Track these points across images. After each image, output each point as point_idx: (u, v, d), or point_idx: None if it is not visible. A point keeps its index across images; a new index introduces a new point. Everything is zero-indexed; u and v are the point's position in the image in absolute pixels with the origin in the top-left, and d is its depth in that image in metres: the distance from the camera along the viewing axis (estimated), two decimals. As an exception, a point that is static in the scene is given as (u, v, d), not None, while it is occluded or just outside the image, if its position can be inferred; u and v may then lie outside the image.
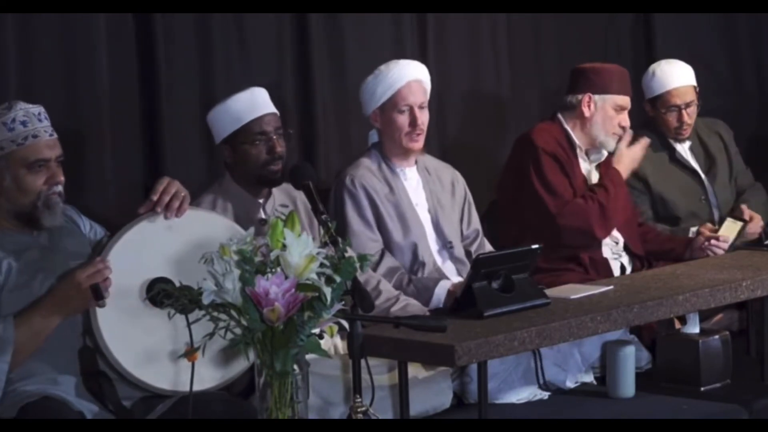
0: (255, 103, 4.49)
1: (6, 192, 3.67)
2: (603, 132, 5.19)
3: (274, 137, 4.46)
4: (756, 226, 5.51)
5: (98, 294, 3.48)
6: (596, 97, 5.18)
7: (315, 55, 5.43)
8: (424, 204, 4.88)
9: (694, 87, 5.67)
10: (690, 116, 5.64)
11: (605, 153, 5.26)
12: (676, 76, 5.66)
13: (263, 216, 4.45)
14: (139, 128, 5.00)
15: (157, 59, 4.98)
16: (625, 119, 5.20)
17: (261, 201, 4.52)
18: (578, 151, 5.22)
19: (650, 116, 5.71)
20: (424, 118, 4.79)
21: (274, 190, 4.55)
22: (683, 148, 5.75)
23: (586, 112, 5.17)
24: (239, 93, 4.51)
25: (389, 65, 4.83)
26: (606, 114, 5.17)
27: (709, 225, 5.50)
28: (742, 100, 6.77)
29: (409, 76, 4.80)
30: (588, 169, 5.25)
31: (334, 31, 5.54)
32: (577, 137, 5.21)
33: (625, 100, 5.20)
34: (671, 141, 5.72)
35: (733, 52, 6.85)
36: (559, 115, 5.24)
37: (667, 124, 5.66)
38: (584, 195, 5.11)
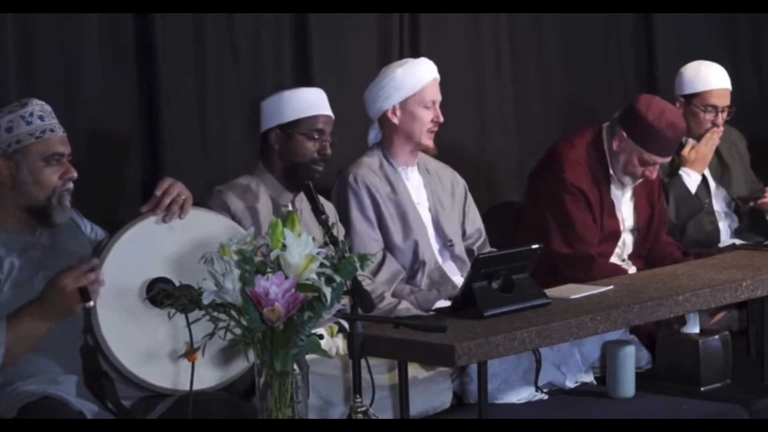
0: (322, 100, 4.55)
1: (21, 185, 3.67)
2: (622, 171, 5.10)
3: (327, 140, 4.48)
4: None
5: (85, 296, 3.48)
6: (629, 140, 5.05)
7: (315, 55, 5.43)
8: (425, 203, 4.89)
9: (731, 92, 5.71)
10: (723, 120, 5.69)
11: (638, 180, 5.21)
12: (719, 77, 5.71)
13: (291, 209, 4.44)
14: (139, 128, 5.00)
15: (156, 59, 4.98)
16: (651, 170, 5.08)
17: (291, 195, 4.52)
18: (611, 175, 5.14)
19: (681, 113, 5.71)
20: (441, 117, 4.83)
21: None
22: None
23: (615, 146, 5.09)
24: (305, 88, 4.61)
25: (413, 61, 4.90)
26: (629, 160, 5.06)
27: None
28: (742, 100, 6.76)
29: (434, 74, 4.88)
30: (619, 194, 5.20)
31: (334, 31, 5.54)
32: (610, 161, 5.14)
33: (653, 158, 5.05)
34: (692, 141, 5.72)
35: (734, 52, 6.85)
36: (604, 130, 5.16)
37: (700, 123, 5.68)
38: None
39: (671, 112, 5.10)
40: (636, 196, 5.25)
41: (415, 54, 5.62)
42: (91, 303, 3.50)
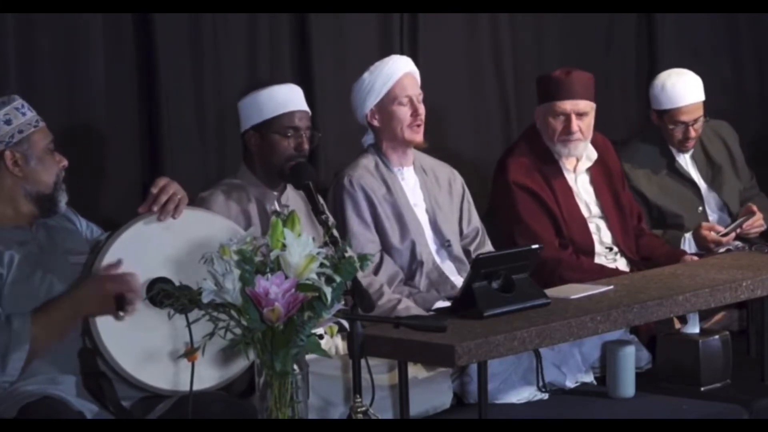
0: (295, 96, 4.51)
1: (32, 174, 3.72)
2: (550, 141, 5.14)
3: (304, 135, 4.47)
4: (757, 220, 5.53)
5: (121, 304, 3.50)
6: (540, 107, 5.16)
7: (315, 56, 5.44)
8: (422, 204, 4.89)
9: (703, 102, 5.66)
10: (696, 131, 5.65)
11: (594, 158, 5.23)
12: (686, 92, 5.61)
13: (278, 208, 4.45)
14: (139, 128, 5.00)
15: (156, 59, 4.98)
16: (570, 124, 5.09)
17: (276, 194, 4.52)
18: (561, 162, 5.18)
19: (655, 124, 5.70)
20: (422, 109, 4.82)
21: (289, 186, 4.55)
22: (684, 158, 5.75)
23: (538, 123, 5.17)
24: (278, 85, 4.53)
25: (381, 62, 4.87)
26: (546, 123, 5.12)
27: (706, 224, 5.52)
28: (744, 101, 6.77)
29: (404, 69, 4.84)
30: (573, 179, 5.22)
31: (334, 31, 5.55)
32: (550, 146, 5.17)
33: (560, 106, 5.09)
34: (672, 150, 5.72)
35: (735, 53, 6.85)
36: (538, 125, 5.21)
37: (673, 137, 5.66)
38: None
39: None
40: (594, 183, 5.26)
41: (415, 54, 5.62)
42: (124, 315, 3.52)
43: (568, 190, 5.17)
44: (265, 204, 4.45)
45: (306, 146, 4.46)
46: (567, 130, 5.10)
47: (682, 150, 5.71)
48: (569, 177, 5.20)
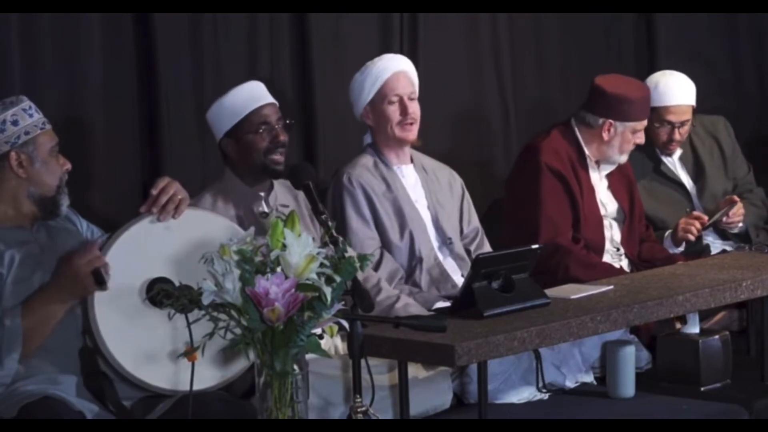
0: (254, 94, 4.50)
1: (36, 176, 3.73)
2: (618, 152, 5.19)
3: (277, 127, 4.47)
4: (739, 209, 5.53)
5: (100, 278, 3.52)
6: (617, 123, 5.15)
7: (315, 56, 5.44)
8: (423, 201, 4.89)
9: (692, 106, 5.66)
10: (682, 135, 5.65)
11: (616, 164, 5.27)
12: (677, 93, 5.63)
13: (265, 209, 4.45)
14: (138, 128, 5.00)
15: (155, 59, 4.98)
16: (640, 137, 5.20)
17: (262, 194, 4.52)
18: (588, 161, 5.22)
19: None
20: (414, 107, 4.82)
21: (276, 185, 4.56)
22: (671, 159, 5.74)
23: (606, 137, 5.16)
24: (237, 87, 4.52)
25: (374, 60, 4.88)
26: (624, 138, 5.17)
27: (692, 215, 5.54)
28: (742, 100, 6.77)
29: (395, 68, 4.84)
30: (597, 178, 5.25)
31: (334, 31, 5.54)
32: (589, 150, 5.19)
33: (644, 124, 5.21)
34: (658, 152, 5.71)
35: (734, 52, 6.85)
36: (574, 125, 5.22)
37: (657, 138, 5.66)
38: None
39: (625, 80, 5.32)
40: (612, 186, 5.30)
41: (415, 54, 5.62)
42: (107, 285, 3.53)
43: (591, 188, 5.20)
44: (252, 206, 4.45)
45: (282, 137, 4.47)
46: (638, 143, 5.21)
47: (666, 152, 5.71)
48: (594, 176, 5.22)
